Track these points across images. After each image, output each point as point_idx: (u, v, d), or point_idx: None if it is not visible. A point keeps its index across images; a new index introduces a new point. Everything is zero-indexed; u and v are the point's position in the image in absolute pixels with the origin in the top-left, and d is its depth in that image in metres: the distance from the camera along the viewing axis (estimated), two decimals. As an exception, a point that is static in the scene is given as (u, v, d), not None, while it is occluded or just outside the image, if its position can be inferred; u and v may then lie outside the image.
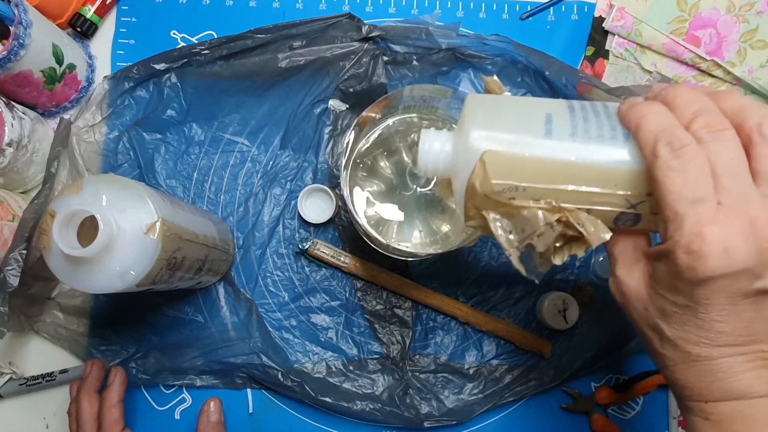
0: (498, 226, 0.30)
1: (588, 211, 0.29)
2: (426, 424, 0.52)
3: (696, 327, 0.28)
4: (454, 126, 0.42)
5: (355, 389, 0.53)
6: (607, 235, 0.29)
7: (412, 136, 0.46)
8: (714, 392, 0.29)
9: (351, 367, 0.54)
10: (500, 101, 0.32)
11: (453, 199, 0.32)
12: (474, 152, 0.29)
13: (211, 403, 0.51)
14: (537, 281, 0.33)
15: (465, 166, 0.29)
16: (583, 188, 0.28)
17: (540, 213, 0.29)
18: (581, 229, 0.28)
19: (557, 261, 0.30)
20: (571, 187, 0.28)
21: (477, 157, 0.29)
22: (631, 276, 0.30)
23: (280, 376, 0.52)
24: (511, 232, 0.30)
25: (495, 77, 0.34)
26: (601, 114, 0.30)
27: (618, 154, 0.28)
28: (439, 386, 0.53)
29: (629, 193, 0.28)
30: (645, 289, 0.30)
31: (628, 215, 0.29)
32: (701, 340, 0.28)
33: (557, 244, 0.30)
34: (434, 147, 0.32)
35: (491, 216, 0.30)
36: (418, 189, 0.46)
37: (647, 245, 0.31)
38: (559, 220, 0.29)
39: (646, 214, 0.29)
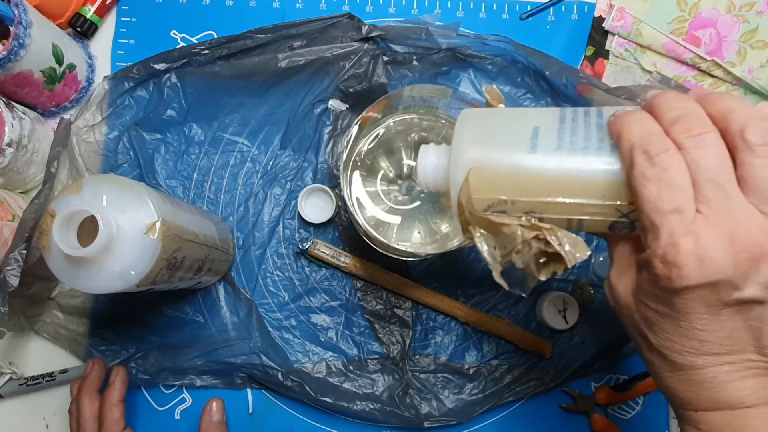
0: (482, 242, 0.31)
1: (580, 222, 0.29)
2: (426, 424, 0.52)
3: (679, 336, 0.27)
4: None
5: (355, 389, 0.53)
6: (585, 255, 0.29)
7: (413, 135, 0.46)
8: (702, 402, 0.28)
9: (351, 367, 0.54)
10: (491, 116, 0.32)
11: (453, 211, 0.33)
12: (462, 169, 0.30)
13: (213, 403, 0.51)
14: (524, 295, 0.34)
15: (456, 182, 0.30)
16: (570, 200, 0.28)
17: (519, 230, 0.29)
18: (557, 248, 0.29)
19: (542, 277, 0.30)
20: (559, 199, 0.29)
21: (465, 173, 0.30)
22: (620, 281, 0.30)
23: (280, 376, 0.52)
24: (495, 248, 0.31)
25: (494, 86, 0.35)
26: (592, 124, 0.30)
27: (603, 165, 0.28)
28: (439, 386, 0.53)
29: (618, 202, 0.28)
30: (631, 296, 0.30)
31: (623, 223, 0.29)
32: (684, 349, 0.28)
33: (542, 260, 0.30)
34: (431, 162, 0.33)
35: (476, 232, 0.31)
36: (411, 190, 0.46)
37: (641, 252, 0.31)
38: (536, 238, 0.29)
39: (640, 222, 0.30)
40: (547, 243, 0.29)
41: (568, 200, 0.28)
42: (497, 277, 0.31)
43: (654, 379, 0.31)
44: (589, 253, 0.29)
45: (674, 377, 0.29)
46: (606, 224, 0.30)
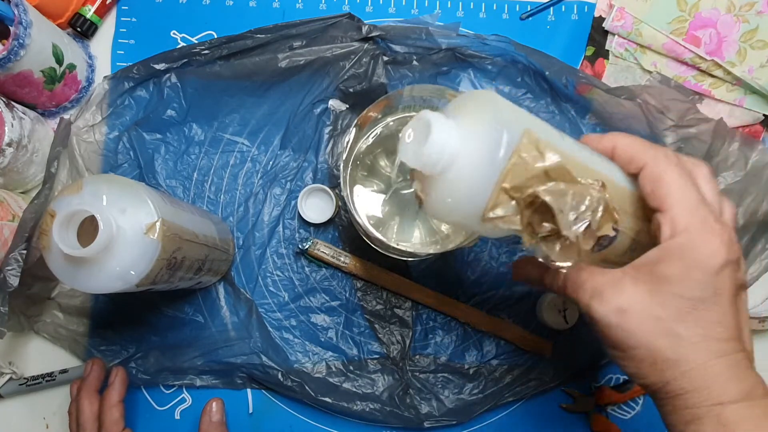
0: (554, 201, 0.27)
1: None
2: (426, 424, 0.52)
3: (712, 322, 0.29)
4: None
5: (355, 389, 0.53)
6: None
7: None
8: (730, 391, 0.29)
9: (351, 367, 0.54)
10: (500, 98, 0.31)
11: (442, 196, 0.29)
12: (510, 133, 0.27)
13: (213, 404, 0.51)
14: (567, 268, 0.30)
15: (492, 149, 0.27)
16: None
17: (592, 188, 0.28)
18: (615, 206, 0.29)
19: (585, 246, 0.29)
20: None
21: (512, 137, 0.27)
22: (624, 290, 0.30)
23: (280, 376, 0.52)
24: (563, 210, 0.28)
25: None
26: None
27: (611, 168, 0.30)
28: (439, 386, 0.53)
29: (618, 208, 0.29)
30: (649, 297, 0.30)
31: (612, 236, 0.30)
32: (717, 334, 0.29)
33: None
34: (444, 135, 0.28)
35: (543, 191, 0.27)
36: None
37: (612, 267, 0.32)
38: (602, 197, 0.28)
39: (621, 235, 0.31)
40: (606, 203, 0.28)
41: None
42: (576, 239, 0.28)
43: (672, 388, 0.30)
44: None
45: (706, 369, 0.29)
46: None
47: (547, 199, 0.27)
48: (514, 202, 0.28)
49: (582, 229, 0.28)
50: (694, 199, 0.29)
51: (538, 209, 0.28)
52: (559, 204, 0.27)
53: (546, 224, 0.28)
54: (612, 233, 0.29)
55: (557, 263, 0.29)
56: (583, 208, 0.28)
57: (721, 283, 0.29)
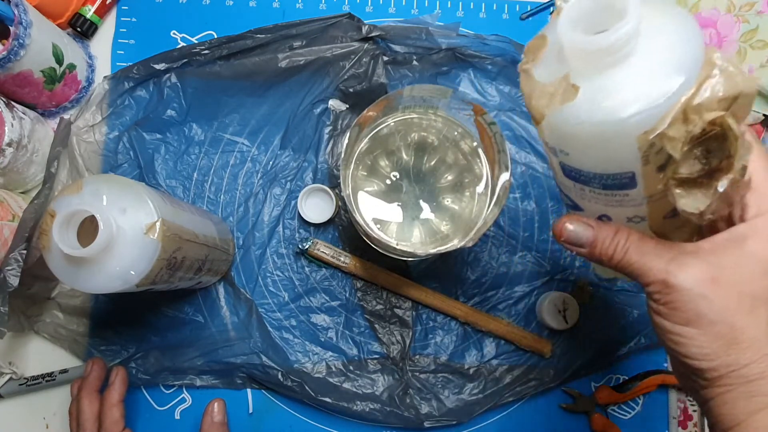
0: (739, 136, 0.24)
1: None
2: (426, 424, 0.52)
3: None
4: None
5: (355, 389, 0.53)
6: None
7: (412, 135, 0.46)
8: None
9: (351, 367, 0.54)
10: None
11: (600, 94, 0.25)
12: (701, 48, 0.24)
13: (215, 404, 0.51)
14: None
15: (691, 53, 0.24)
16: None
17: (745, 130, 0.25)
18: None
19: (720, 188, 0.25)
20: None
21: (699, 48, 0.24)
22: (709, 263, 0.28)
23: (280, 376, 0.52)
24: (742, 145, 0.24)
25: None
26: None
27: None
28: (439, 386, 0.54)
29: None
30: (736, 273, 0.28)
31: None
32: None
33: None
34: (638, 9, 0.23)
35: (731, 120, 0.23)
36: (415, 186, 0.46)
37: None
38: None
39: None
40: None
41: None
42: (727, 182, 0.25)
43: (746, 372, 0.28)
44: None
45: None
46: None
47: (735, 128, 0.23)
48: (685, 126, 0.24)
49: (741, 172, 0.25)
50: None
51: (703, 143, 0.24)
52: (742, 141, 0.24)
53: (699, 163, 0.25)
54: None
55: (686, 210, 0.26)
56: (748, 156, 0.25)
57: None
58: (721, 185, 0.25)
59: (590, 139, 0.26)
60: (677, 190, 0.26)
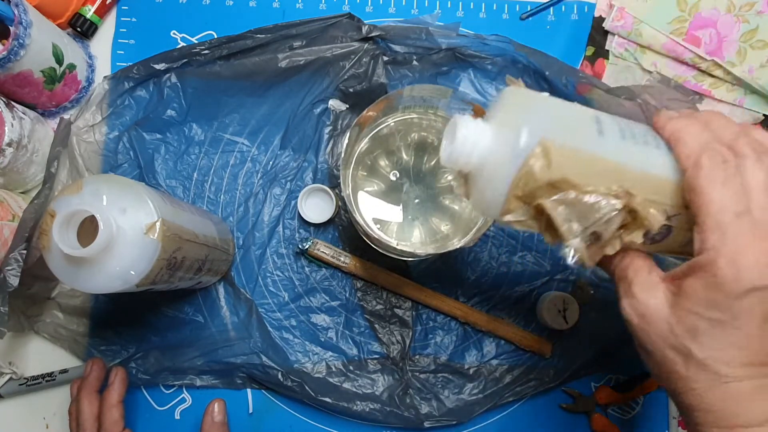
0: (559, 214, 0.28)
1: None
2: (426, 424, 0.52)
3: (730, 344, 0.27)
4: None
5: (355, 389, 0.53)
6: (662, 220, 0.28)
7: (412, 135, 0.46)
8: (741, 416, 0.28)
9: (351, 367, 0.54)
10: (542, 95, 0.31)
11: (475, 194, 0.30)
12: (526, 140, 0.27)
13: (216, 404, 0.51)
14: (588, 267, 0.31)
15: (509, 155, 0.28)
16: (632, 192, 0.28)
17: (604, 199, 0.28)
18: (645, 213, 0.28)
19: (610, 251, 0.29)
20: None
21: (528, 144, 0.27)
22: (652, 296, 0.30)
23: (280, 376, 0.52)
24: (571, 221, 0.28)
25: (519, 80, 0.33)
26: (632, 123, 0.30)
27: (664, 162, 0.29)
28: (439, 386, 0.53)
29: (668, 203, 0.28)
30: (668, 309, 0.29)
31: (662, 228, 0.29)
32: (735, 359, 0.28)
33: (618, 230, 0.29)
34: (471, 135, 0.29)
35: (549, 203, 0.28)
36: (411, 190, 0.46)
37: (657, 267, 0.31)
38: (624, 206, 0.28)
39: (677, 228, 0.30)
40: (630, 211, 0.28)
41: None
42: (579, 249, 0.28)
43: (681, 398, 0.30)
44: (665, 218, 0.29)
45: (717, 391, 0.28)
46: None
47: (549, 209, 0.28)
48: (527, 207, 0.28)
49: (585, 241, 0.28)
50: (731, 212, 0.27)
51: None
52: (565, 215, 0.28)
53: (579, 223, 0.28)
54: (639, 240, 0.28)
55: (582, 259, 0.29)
56: (594, 218, 0.28)
57: (746, 307, 0.27)
58: (639, 236, 0.29)
59: (496, 219, 0.31)
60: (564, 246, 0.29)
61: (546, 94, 0.31)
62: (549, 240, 0.29)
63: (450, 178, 0.45)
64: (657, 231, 0.28)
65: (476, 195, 0.30)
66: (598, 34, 0.58)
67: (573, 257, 0.28)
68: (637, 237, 0.29)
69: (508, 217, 0.29)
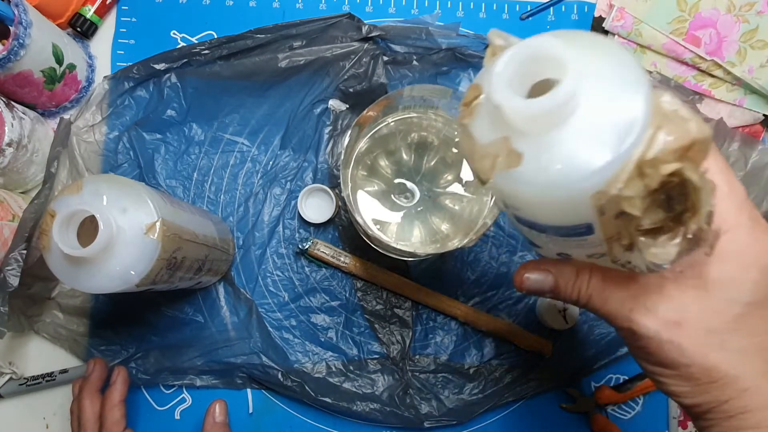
0: (702, 184, 0.21)
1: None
2: (426, 424, 0.52)
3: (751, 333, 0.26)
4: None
5: (355, 389, 0.53)
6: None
7: (412, 135, 0.46)
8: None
9: (351, 367, 0.54)
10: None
11: (544, 159, 0.22)
12: (644, 83, 0.21)
13: (217, 405, 0.51)
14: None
15: (624, 99, 0.21)
16: None
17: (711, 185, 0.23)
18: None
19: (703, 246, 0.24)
20: None
21: (646, 93, 0.21)
22: (672, 300, 0.27)
23: (280, 376, 0.52)
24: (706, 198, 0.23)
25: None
26: None
27: None
28: (439, 386, 0.54)
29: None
30: (700, 306, 0.26)
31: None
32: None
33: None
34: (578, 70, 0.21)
35: (698, 175, 0.21)
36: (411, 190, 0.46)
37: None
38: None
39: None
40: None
41: None
42: (678, 246, 0.23)
43: (714, 409, 0.27)
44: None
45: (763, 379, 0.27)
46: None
47: (695, 179, 0.21)
48: (641, 181, 0.21)
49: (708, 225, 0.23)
50: (742, 193, 0.26)
51: (663, 191, 0.22)
52: (704, 187, 0.22)
53: (662, 214, 0.23)
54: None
55: (655, 262, 0.24)
56: (712, 201, 0.22)
57: None
58: (690, 232, 0.23)
59: (540, 199, 0.24)
60: (643, 239, 0.24)
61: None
62: (628, 236, 0.23)
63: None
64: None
65: (551, 160, 0.22)
66: (598, 34, 0.58)
67: (677, 253, 0.24)
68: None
69: (626, 190, 0.21)
